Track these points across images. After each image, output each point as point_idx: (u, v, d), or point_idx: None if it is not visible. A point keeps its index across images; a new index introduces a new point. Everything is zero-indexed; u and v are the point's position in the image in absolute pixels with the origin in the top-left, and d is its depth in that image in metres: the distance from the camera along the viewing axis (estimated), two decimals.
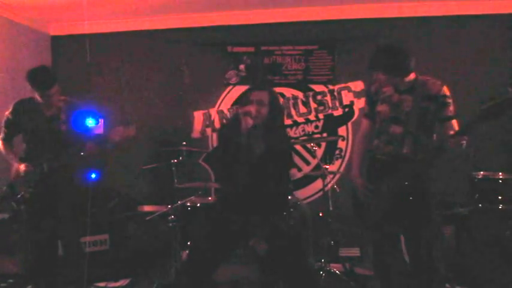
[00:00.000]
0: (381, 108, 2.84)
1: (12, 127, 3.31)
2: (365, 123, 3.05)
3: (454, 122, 2.70)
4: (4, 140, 3.35)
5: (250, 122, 2.57)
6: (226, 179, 2.78)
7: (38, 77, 3.19)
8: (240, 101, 2.81)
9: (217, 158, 2.84)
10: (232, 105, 5.25)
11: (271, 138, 2.67)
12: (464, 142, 2.51)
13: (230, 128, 2.78)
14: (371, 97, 2.95)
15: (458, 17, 4.83)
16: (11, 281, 3.95)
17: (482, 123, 2.28)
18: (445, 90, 2.69)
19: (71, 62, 5.39)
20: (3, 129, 3.34)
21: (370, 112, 2.98)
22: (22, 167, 3.21)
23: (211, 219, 2.92)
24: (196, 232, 3.87)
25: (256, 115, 2.61)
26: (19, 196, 3.23)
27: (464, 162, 4.34)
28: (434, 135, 2.78)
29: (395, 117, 2.77)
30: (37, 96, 3.23)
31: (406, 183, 2.69)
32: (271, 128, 2.69)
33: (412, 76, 2.75)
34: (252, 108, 2.60)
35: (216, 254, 2.61)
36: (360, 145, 3.08)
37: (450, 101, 2.69)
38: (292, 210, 3.92)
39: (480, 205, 3.73)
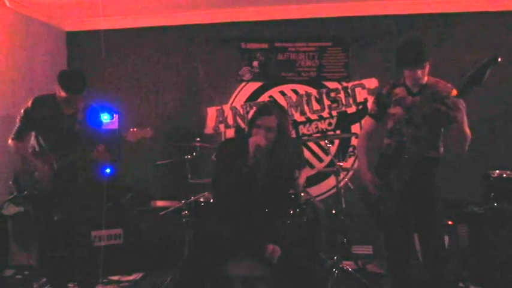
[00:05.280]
0: (394, 110, 2.89)
1: (29, 122, 3.28)
2: (369, 122, 3.11)
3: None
4: (16, 139, 3.30)
5: (258, 154, 2.64)
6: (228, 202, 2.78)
7: (72, 80, 3.19)
8: (250, 124, 2.78)
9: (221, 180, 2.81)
10: (245, 101, 5.27)
11: (274, 160, 2.74)
12: (463, 104, 2.55)
13: (235, 150, 2.77)
14: (382, 99, 2.99)
15: (474, 13, 4.78)
16: (26, 273, 4.02)
17: (470, 88, 2.38)
18: (454, 93, 2.71)
19: (86, 58, 5.44)
20: (17, 125, 3.30)
21: (377, 112, 3.03)
22: (39, 166, 3.21)
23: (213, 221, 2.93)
24: (200, 228, 3.90)
25: (265, 142, 2.65)
26: (25, 193, 3.25)
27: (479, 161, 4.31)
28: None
29: (409, 119, 2.83)
30: (59, 94, 3.23)
31: (416, 179, 2.77)
32: (277, 150, 2.75)
33: (425, 78, 2.82)
34: (260, 140, 2.63)
35: (218, 252, 2.62)
36: (364, 143, 3.13)
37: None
38: (305, 207, 3.92)
39: (495, 204, 3.69)
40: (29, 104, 3.28)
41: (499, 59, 2.25)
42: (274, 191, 2.75)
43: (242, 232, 2.67)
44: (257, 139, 2.64)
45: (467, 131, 2.70)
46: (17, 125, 3.31)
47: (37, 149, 3.29)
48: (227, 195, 2.75)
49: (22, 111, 3.30)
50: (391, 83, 2.99)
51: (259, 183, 2.71)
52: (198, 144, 4.21)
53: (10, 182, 3.31)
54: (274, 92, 5.24)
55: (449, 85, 2.79)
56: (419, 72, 2.75)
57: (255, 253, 2.63)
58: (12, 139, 3.31)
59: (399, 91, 2.90)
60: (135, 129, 3.38)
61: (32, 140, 3.34)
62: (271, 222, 2.74)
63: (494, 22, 4.75)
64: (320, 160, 5.19)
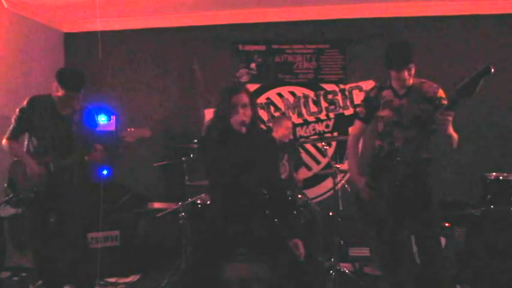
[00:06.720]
0: (384, 113, 2.93)
1: (25, 122, 3.22)
2: (359, 125, 3.14)
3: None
4: (11, 138, 3.25)
5: (244, 130, 2.60)
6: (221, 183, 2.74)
7: (70, 77, 3.17)
8: (219, 105, 2.71)
9: (212, 164, 2.75)
10: None
11: (259, 137, 2.72)
12: (450, 118, 2.55)
13: (218, 135, 2.69)
14: (370, 101, 3.02)
15: (471, 16, 4.80)
16: (23, 274, 4.00)
17: (462, 99, 2.37)
18: (441, 93, 2.78)
19: (84, 59, 5.43)
20: (12, 125, 3.25)
21: (366, 115, 3.06)
22: (34, 167, 3.17)
23: (210, 218, 2.90)
24: (198, 230, 3.87)
25: (246, 119, 2.61)
26: (21, 196, 3.21)
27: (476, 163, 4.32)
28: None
29: (397, 121, 2.86)
30: (56, 94, 3.20)
31: (408, 180, 2.79)
32: (256, 128, 2.73)
33: (410, 80, 2.84)
34: (243, 117, 2.59)
35: (217, 252, 2.61)
36: (354, 146, 3.17)
37: (445, 102, 2.75)
38: (302, 209, 3.93)
39: (492, 206, 3.70)
40: (25, 103, 3.23)
41: (492, 70, 2.23)
42: (264, 164, 2.69)
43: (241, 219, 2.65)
44: (239, 117, 2.59)
45: (454, 133, 2.71)
46: (12, 125, 3.25)
47: (32, 150, 3.25)
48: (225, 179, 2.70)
49: (17, 110, 3.24)
50: (378, 85, 3.03)
51: (248, 158, 2.64)
52: (195, 146, 4.21)
53: (5, 185, 3.28)
54: (272, 94, 5.25)
55: (435, 85, 2.82)
56: (404, 73, 2.77)
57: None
58: (7, 138, 3.25)
59: (386, 94, 2.92)
60: (132, 129, 3.38)
61: (26, 142, 3.29)
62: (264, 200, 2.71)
63: (491, 25, 4.78)
64: (317, 162, 5.19)
